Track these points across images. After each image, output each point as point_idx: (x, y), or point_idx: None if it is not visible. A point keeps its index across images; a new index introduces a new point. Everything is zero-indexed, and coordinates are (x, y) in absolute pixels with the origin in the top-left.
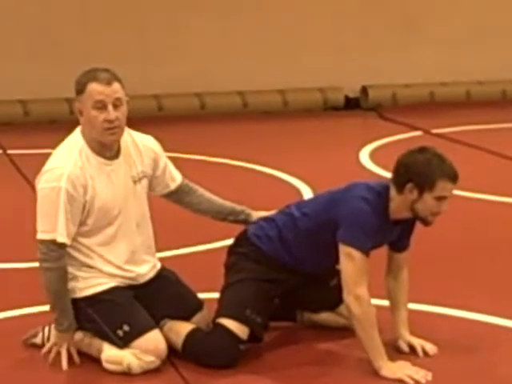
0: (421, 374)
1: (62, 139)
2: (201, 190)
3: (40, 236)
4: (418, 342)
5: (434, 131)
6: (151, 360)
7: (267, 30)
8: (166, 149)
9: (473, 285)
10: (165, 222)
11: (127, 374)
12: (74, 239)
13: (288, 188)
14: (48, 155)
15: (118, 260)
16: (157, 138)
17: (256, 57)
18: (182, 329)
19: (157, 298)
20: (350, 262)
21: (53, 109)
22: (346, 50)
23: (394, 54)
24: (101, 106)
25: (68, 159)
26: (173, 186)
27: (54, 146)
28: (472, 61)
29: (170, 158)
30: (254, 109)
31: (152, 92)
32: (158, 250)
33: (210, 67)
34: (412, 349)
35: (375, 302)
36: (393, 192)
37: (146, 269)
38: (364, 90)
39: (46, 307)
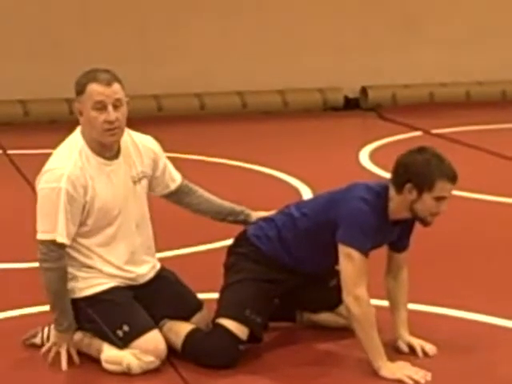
0: (420, 375)
1: (62, 139)
2: (200, 191)
3: (40, 236)
4: (417, 343)
5: (434, 131)
6: (151, 360)
7: (267, 30)
8: (165, 149)
9: (471, 285)
10: (165, 222)
11: (127, 374)
12: (74, 240)
13: (287, 188)
14: (48, 155)
15: (118, 260)
16: (156, 138)
17: (256, 57)
18: (181, 329)
19: (156, 298)
20: (350, 262)
21: (53, 109)
22: (345, 50)
23: (394, 54)
24: (101, 106)
25: (68, 160)
26: (172, 186)
27: (53, 146)
28: (472, 61)
29: (169, 158)
30: (253, 109)
31: (152, 92)
32: (158, 250)
33: (210, 67)
34: (411, 349)
35: (375, 302)
36: (392, 192)
37: (145, 269)
38: (364, 90)
39: (46, 307)
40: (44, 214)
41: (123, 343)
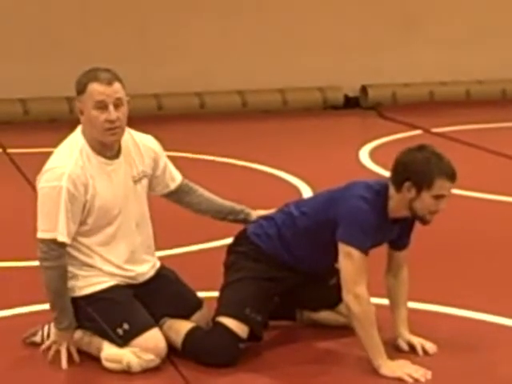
0: (420, 373)
1: (62, 138)
2: (200, 190)
3: (40, 235)
4: (417, 341)
5: (434, 130)
6: (151, 358)
7: (267, 29)
8: (165, 148)
9: (472, 283)
10: (165, 221)
11: (127, 372)
12: (74, 239)
13: (287, 187)
14: (48, 154)
15: (118, 260)
16: (156, 137)
17: (256, 56)
18: (181, 327)
19: (156, 296)
20: (349, 260)
21: (53, 108)
22: (345, 49)
23: (394, 53)
24: (102, 106)
25: (69, 158)
26: (173, 185)
27: (53, 144)
28: (472, 60)
29: (169, 156)
30: (253, 108)
31: (152, 92)
32: (158, 249)
33: (210, 67)
34: (412, 347)
35: (375, 300)
36: (391, 190)
37: (145, 268)
38: (364, 89)
39: (46, 306)
40: (45, 213)
41: (123, 341)
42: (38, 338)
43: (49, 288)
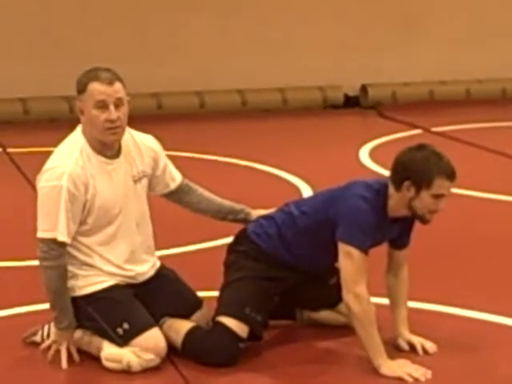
0: (420, 372)
1: (62, 137)
2: (200, 190)
3: (40, 234)
4: (417, 340)
5: (434, 129)
6: (151, 358)
7: (267, 29)
8: (165, 147)
9: (472, 283)
10: (165, 221)
11: (127, 372)
12: (74, 238)
13: (287, 186)
14: (48, 154)
15: (118, 259)
16: (156, 136)
17: (256, 55)
18: (181, 327)
19: (156, 296)
20: (349, 260)
21: (53, 107)
22: (345, 48)
23: (394, 52)
24: (102, 105)
25: (69, 158)
26: (173, 185)
27: (54, 144)
28: (471, 59)
29: (169, 156)
30: (253, 107)
31: (152, 91)
32: (158, 248)
33: (210, 67)
34: (412, 347)
35: (375, 300)
36: (391, 190)
37: (145, 268)
38: (364, 88)
39: (46, 305)
40: (45, 213)
41: (123, 341)
42: (37, 338)
43: (49, 288)
